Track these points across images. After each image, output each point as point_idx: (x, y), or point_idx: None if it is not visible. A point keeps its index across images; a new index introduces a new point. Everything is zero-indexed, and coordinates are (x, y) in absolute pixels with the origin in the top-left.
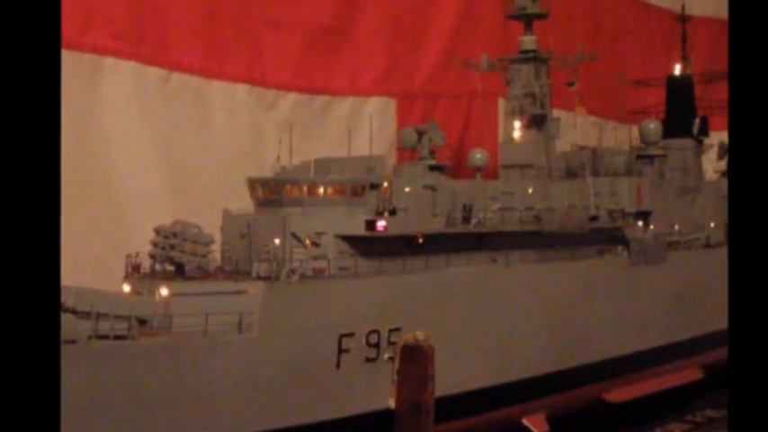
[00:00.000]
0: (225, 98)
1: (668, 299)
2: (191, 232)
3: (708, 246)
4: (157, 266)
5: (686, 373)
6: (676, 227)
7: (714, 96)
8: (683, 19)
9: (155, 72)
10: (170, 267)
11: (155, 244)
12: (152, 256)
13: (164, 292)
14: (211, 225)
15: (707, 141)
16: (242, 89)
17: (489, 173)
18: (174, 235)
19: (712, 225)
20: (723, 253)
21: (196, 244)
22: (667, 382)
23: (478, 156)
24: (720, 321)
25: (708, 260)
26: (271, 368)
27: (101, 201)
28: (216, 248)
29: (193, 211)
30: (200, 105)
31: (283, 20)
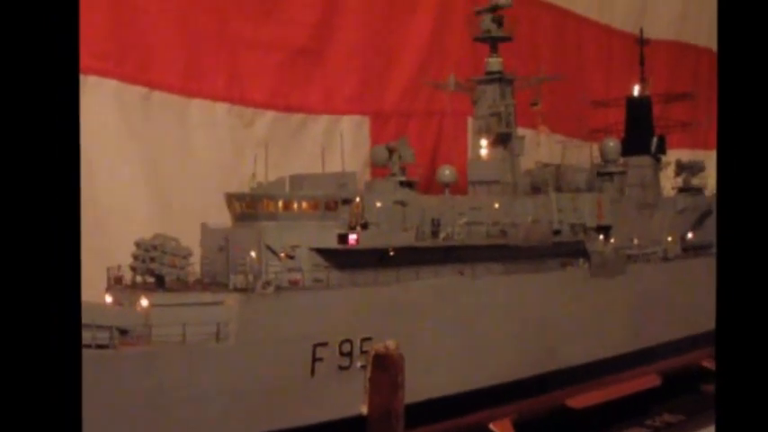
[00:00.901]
0: (205, 116)
1: (627, 309)
2: (170, 245)
3: (665, 258)
4: (138, 278)
5: (645, 380)
6: (635, 240)
7: (672, 116)
8: (642, 42)
9: (136, 90)
10: (150, 279)
11: (135, 257)
12: (133, 269)
13: (144, 302)
14: (191, 239)
15: (664, 159)
16: (221, 107)
17: (459, 189)
18: (154, 248)
19: (669, 239)
20: (679, 265)
21: (175, 256)
22: (627, 388)
23: (447, 172)
24: (677, 330)
25: (665, 272)
26: (247, 376)
27: (84, 215)
28: (195, 261)
29: (174, 225)
30: (181, 123)
31: (261, 40)
